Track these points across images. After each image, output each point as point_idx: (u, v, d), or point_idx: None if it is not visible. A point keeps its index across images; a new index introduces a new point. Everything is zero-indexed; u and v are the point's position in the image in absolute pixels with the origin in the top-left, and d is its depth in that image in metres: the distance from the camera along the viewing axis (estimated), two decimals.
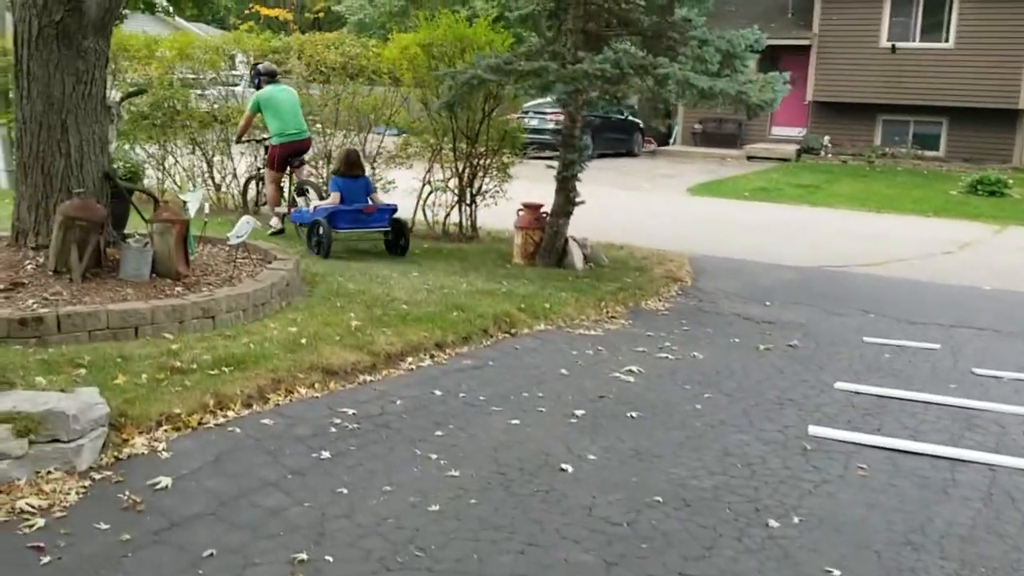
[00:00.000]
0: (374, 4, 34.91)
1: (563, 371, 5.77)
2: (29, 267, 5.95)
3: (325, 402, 4.83)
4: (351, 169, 9.03)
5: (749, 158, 23.48)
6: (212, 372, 4.77)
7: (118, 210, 6.64)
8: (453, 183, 10.92)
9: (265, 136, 10.16)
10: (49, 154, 6.13)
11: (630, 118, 23.37)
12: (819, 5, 22.99)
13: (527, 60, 8.52)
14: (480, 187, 10.92)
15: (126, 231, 6.76)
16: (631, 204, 14.93)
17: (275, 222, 9.77)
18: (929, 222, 14.28)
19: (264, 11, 38.15)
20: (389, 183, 11.08)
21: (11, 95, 13.77)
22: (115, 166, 6.95)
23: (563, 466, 4.25)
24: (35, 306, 5.39)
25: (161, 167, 11.58)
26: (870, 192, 17.56)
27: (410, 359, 5.64)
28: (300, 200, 9.84)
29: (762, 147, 23.99)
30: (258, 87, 9.82)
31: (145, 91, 8.99)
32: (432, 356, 5.80)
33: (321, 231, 8.54)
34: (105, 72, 6.39)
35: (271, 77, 9.86)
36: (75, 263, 5.84)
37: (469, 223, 10.96)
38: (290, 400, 4.80)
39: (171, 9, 25.14)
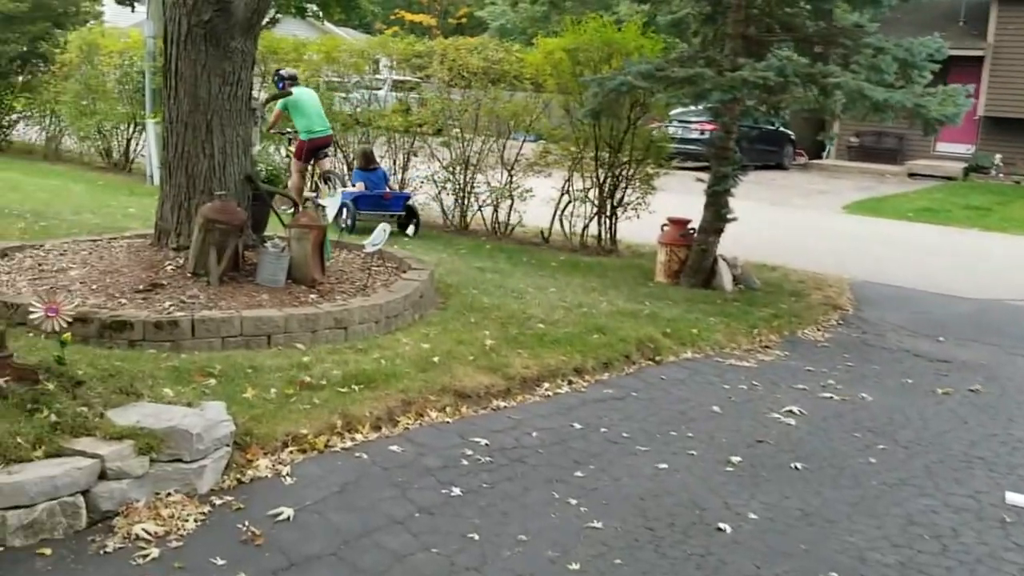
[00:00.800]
0: (516, 9, 34.95)
1: (715, 408, 5.24)
2: (169, 268, 5.90)
3: (456, 429, 4.49)
4: (368, 164, 10.48)
5: (911, 175, 21.99)
6: (342, 389, 4.51)
7: (257, 213, 6.55)
8: (593, 194, 10.51)
9: (290, 131, 10.59)
10: (193, 155, 6.08)
11: (781, 129, 22.27)
12: (995, 13, 21.33)
13: (681, 67, 8.00)
14: (621, 198, 10.46)
15: (264, 234, 6.67)
16: (782, 221, 14.07)
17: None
18: None
19: (408, 16, 38.88)
20: (527, 191, 10.77)
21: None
22: (257, 168, 6.87)
23: (720, 525, 3.74)
24: (171, 309, 5.30)
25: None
26: None
27: (547, 385, 5.25)
28: (324, 187, 10.56)
29: (925, 164, 22.42)
30: (281, 89, 10.10)
31: (290, 93, 8.96)
32: (570, 382, 5.39)
33: (346, 212, 9.73)
34: (251, 73, 6.31)
35: (293, 81, 10.40)
36: (213, 266, 5.74)
37: (608, 236, 10.51)
38: (420, 424, 4.48)
39: (320, 13, 25.88)
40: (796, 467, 4.43)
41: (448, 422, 4.55)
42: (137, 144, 14.88)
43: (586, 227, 10.53)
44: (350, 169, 11.25)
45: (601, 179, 10.38)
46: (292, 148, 10.60)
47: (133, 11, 22.58)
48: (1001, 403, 5.83)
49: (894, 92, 7.70)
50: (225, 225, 5.75)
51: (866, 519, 3.93)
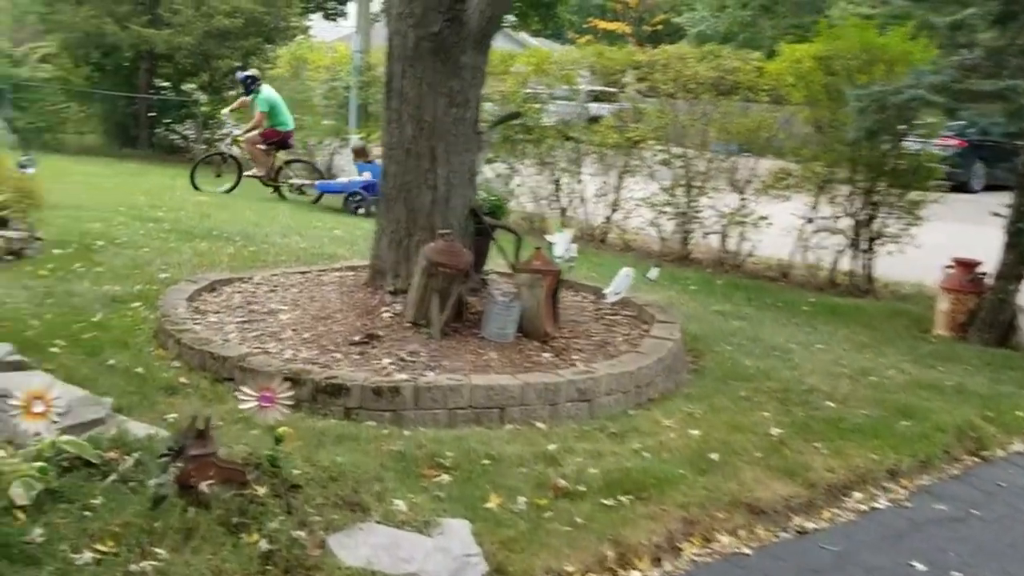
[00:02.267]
0: (718, 15, 33.25)
1: None
2: (385, 315, 5.13)
3: (759, 565, 3.38)
4: (366, 157, 11.79)
5: None
6: (606, 501, 3.50)
7: (478, 248, 5.70)
8: (844, 223, 9.07)
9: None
10: (415, 186, 5.30)
11: None
12: None
13: (988, 78, 6.51)
14: (880, 229, 8.95)
15: (484, 274, 5.83)
16: None
17: (256, 171, 12.42)
18: None
19: (603, 24, 37.95)
20: (761, 219, 9.45)
21: (370, 110, 14.09)
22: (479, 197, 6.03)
23: None
24: (390, 368, 4.50)
25: (506, 186, 10.94)
26: None
27: (857, 495, 4.03)
28: (291, 170, 12.60)
29: None
30: (247, 91, 12.45)
31: (520, 115, 8.13)
32: (885, 489, 4.14)
33: (360, 198, 11.42)
34: (480, 93, 5.46)
35: (256, 81, 12.40)
36: (435, 316, 4.91)
37: (864, 273, 9.03)
38: (709, 553, 3.40)
39: (517, 24, 25.43)
40: None
41: (746, 553, 3.44)
42: (341, 159, 14.69)
43: (836, 262, 9.10)
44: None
45: (856, 207, 8.92)
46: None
47: (337, 25, 22.90)
48: None
49: None
50: (450, 269, 4.91)
51: None
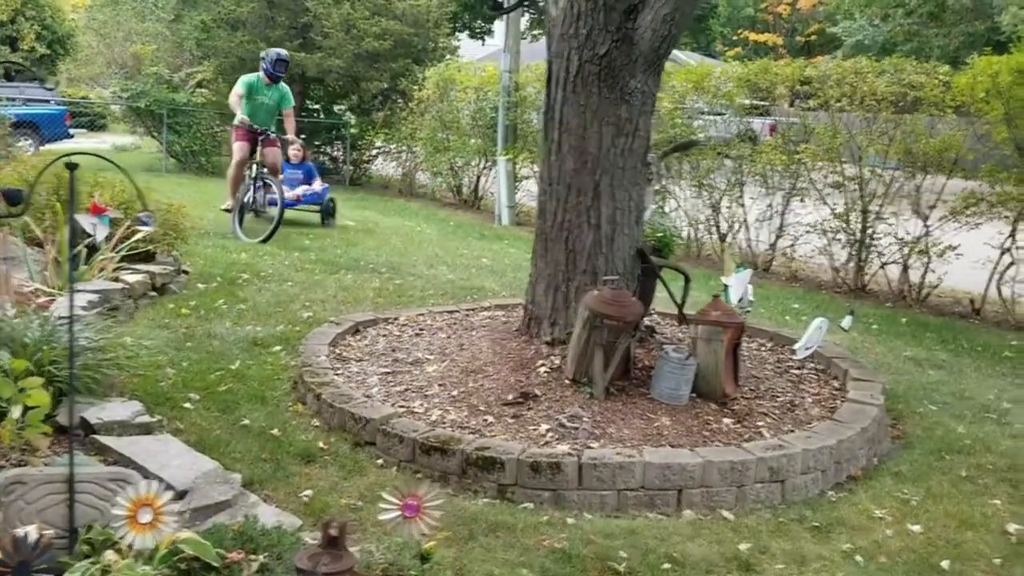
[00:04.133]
0: (877, 24, 31.31)
1: None
2: (542, 370, 4.63)
3: None
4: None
5: None
6: None
7: (644, 291, 5.13)
8: None
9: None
10: (576, 225, 4.79)
11: None
12: None
13: None
14: None
15: (648, 312, 5.25)
16: None
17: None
18: None
19: (753, 36, 36.59)
20: (950, 248, 8.44)
21: (519, 130, 13.76)
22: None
23: None
24: (550, 436, 3.99)
25: (660, 208, 10.30)
26: None
27: None
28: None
29: None
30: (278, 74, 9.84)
31: (697, 143, 7.50)
32: None
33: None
34: (651, 120, 4.90)
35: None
36: (598, 373, 4.38)
37: None
38: None
39: None
40: None
41: None
42: (486, 180, 14.45)
43: None
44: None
45: None
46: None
47: (483, 44, 22.86)
48: None
49: None
50: (617, 321, 4.36)
51: None
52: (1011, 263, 8.18)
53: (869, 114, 9.10)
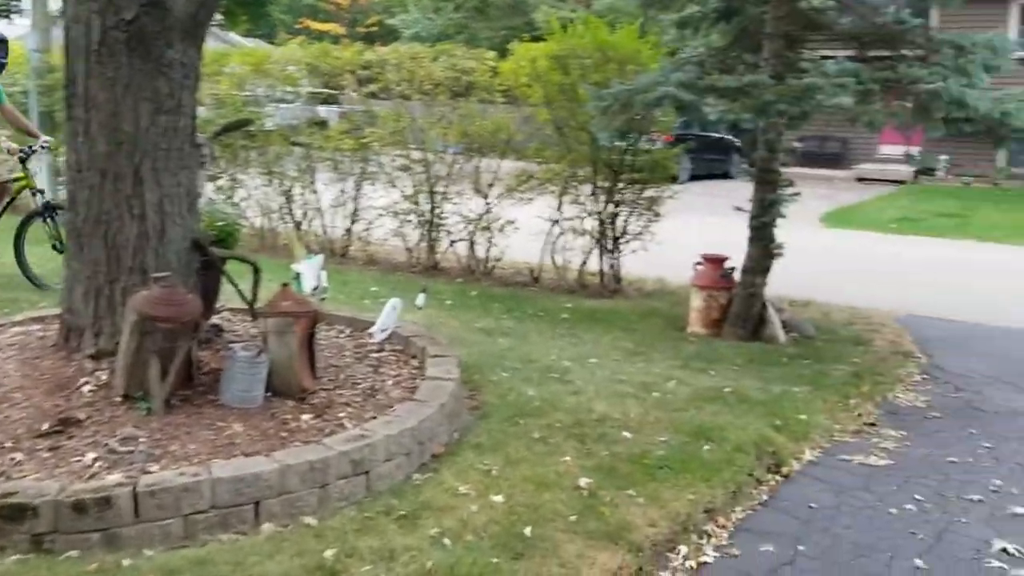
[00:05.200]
0: (433, 17, 33.10)
1: (916, 562, 3.64)
2: (86, 389, 3.96)
3: None
4: None
5: (859, 180, 21.18)
6: None
7: (206, 288, 4.64)
8: (589, 223, 8.87)
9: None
10: (116, 216, 4.15)
11: (726, 137, 21.17)
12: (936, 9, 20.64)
13: (723, 74, 6.44)
14: (624, 228, 8.84)
15: (216, 310, 4.79)
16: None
17: None
18: None
19: (315, 25, 36.56)
20: (508, 223, 9.05)
21: (56, 118, 12.11)
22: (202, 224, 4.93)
23: None
24: (98, 467, 3.39)
25: (229, 200, 9.72)
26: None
27: (683, 548, 3.54)
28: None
29: (873, 168, 21.68)
30: None
31: (251, 122, 7.00)
32: (707, 535, 3.70)
33: None
34: (195, 96, 4.41)
35: None
36: (155, 385, 3.84)
37: (611, 273, 8.88)
38: None
39: (225, 23, 23.58)
40: None
41: None
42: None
43: (584, 263, 8.88)
44: None
45: (601, 206, 8.74)
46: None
47: (10, 22, 20.00)
48: None
49: (983, 97, 6.33)
50: (171, 323, 3.85)
51: None
52: (560, 233, 8.97)
53: (428, 98, 9.38)
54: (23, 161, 7.38)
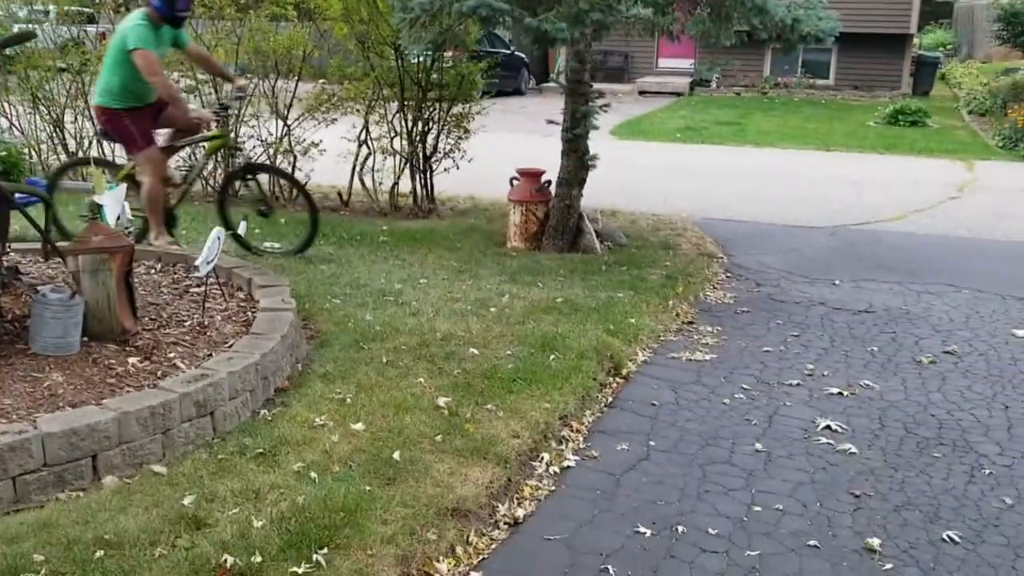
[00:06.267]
0: None
1: (757, 446, 3.91)
2: None
3: None
4: None
5: (641, 93, 22.02)
6: (297, 569, 2.57)
7: None
8: (399, 143, 8.64)
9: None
10: None
11: (516, 53, 21.25)
12: None
13: None
14: (435, 147, 8.69)
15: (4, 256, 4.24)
16: (555, 153, 12.95)
17: None
18: (894, 161, 13.15)
19: None
20: (314, 145, 8.66)
21: None
22: None
23: None
24: None
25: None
26: (791, 126, 16.46)
27: (545, 457, 3.60)
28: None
29: (653, 81, 22.59)
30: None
31: (33, 35, 6.11)
32: (565, 441, 3.79)
33: None
34: None
35: None
36: None
37: (424, 193, 8.74)
38: None
39: None
40: (950, 537, 3.22)
41: None
42: None
43: (395, 184, 8.68)
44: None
45: (409, 125, 8.53)
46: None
47: None
48: (1009, 372, 5.00)
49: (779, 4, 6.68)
50: None
51: None
52: (369, 154, 8.69)
53: (212, 12, 8.68)
54: (220, 117, 6.32)
